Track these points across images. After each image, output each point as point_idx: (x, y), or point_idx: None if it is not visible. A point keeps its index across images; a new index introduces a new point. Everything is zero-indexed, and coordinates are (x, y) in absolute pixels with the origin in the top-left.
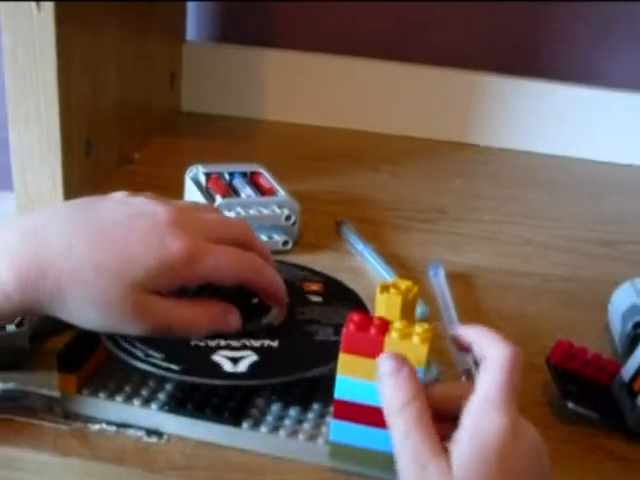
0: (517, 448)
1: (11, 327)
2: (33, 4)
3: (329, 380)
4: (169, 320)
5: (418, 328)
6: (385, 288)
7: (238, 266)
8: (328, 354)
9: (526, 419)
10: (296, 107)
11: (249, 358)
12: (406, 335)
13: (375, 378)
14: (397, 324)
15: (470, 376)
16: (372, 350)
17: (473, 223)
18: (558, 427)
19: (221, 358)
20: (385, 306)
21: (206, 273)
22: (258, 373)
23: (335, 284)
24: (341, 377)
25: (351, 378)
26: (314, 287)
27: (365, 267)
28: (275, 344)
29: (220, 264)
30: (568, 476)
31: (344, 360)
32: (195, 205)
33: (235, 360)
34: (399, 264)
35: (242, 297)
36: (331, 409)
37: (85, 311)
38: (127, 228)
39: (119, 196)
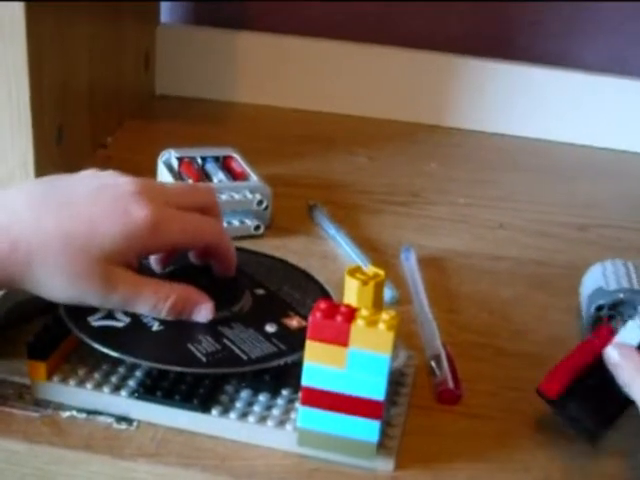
0: None
1: None
2: None
3: (298, 366)
4: (133, 294)
5: (385, 315)
6: (353, 273)
7: (202, 230)
8: (297, 342)
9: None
10: (271, 90)
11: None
12: (372, 322)
13: (342, 365)
14: (364, 311)
15: (439, 361)
16: (338, 337)
17: (446, 206)
18: (525, 410)
19: (193, 346)
20: (353, 292)
21: (172, 239)
22: (227, 361)
23: (303, 273)
24: (308, 364)
25: (318, 365)
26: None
27: (336, 251)
28: (245, 332)
29: (185, 229)
30: (536, 461)
31: (311, 347)
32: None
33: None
34: (371, 248)
35: (213, 285)
36: (299, 395)
37: (54, 282)
38: (92, 200)
39: (86, 173)
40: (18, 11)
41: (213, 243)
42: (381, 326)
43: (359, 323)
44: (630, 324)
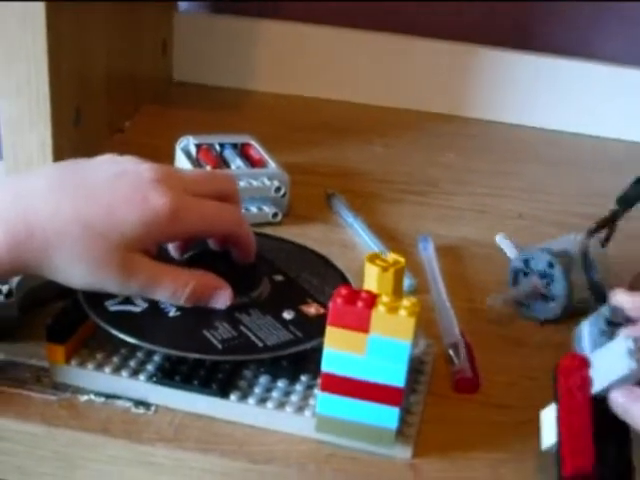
0: None
1: (0, 298)
2: None
3: (317, 353)
4: (152, 281)
5: (405, 302)
6: (373, 260)
7: (221, 218)
8: (314, 329)
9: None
10: (288, 78)
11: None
12: (393, 309)
13: (362, 352)
14: (384, 298)
15: (457, 350)
16: (359, 323)
17: (464, 196)
18: (546, 400)
19: (209, 333)
20: (373, 279)
21: (191, 227)
22: (243, 348)
23: (323, 259)
24: (328, 350)
25: (338, 351)
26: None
27: (355, 240)
28: (262, 319)
29: (204, 217)
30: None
31: (331, 333)
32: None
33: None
34: (389, 236)
35: (232, 270)
36: (318, 382)
37: (71, 269)
38: (112, 186)
39: (105, 158)
40: None
41: (232, 231)
42: (402, 313)
43: (380, 309)
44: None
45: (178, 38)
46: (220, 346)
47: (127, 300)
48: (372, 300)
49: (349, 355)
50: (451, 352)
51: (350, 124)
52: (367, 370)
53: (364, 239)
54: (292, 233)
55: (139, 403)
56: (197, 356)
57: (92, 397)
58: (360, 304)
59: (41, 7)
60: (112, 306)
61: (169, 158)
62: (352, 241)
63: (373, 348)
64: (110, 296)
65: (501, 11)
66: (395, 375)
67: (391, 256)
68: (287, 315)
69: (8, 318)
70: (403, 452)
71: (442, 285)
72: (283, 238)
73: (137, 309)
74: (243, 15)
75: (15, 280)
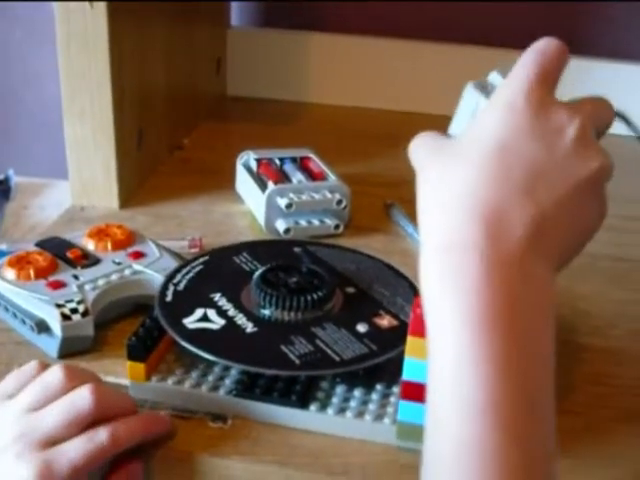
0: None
1: (77, 317)
2: (87, 2)
3: (391, 362)
4: None
5: None
6: None
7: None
8: (388, 342)
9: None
10: (340, 89)
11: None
12: None
13: None
14: None
15: None
16: None
17: None
18: (611, 405)
19: (286, 348)
20: None
21: None
22: (320, 363)
23: (393, 270)
24: (409, 359)
25: (418, 360)
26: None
27: (416, 249)
28: (337, 332)
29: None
30: (625, 456)
31: (412, 343)
32: None
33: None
34: None
35: (304, 284)
36: (395, 390)
37: None
38: None
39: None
40: (101, 23)
41: None
42: None
43: None
44: None
45: (230, 53)
46: (297, 361)
47: (205, 317)
48: None
49: None
50: None
51: (402, 133)
52: None
53: None
54: (354, 244)
55: (216, 417)
56: (275, 372)
57: (172, 412)
58: None
59: (104, 31)
60: (190, 324)
61: (229, 173)
62: (413, 250)
63: None
64: (188, 314)
65: (548, 17)
66: None
67: None
68: (361, 328)
69: (85, 337)
70: None
71: None
72: (353, 249)
73: (215, 326)
74: (293, 28)
75: (90, 299)
